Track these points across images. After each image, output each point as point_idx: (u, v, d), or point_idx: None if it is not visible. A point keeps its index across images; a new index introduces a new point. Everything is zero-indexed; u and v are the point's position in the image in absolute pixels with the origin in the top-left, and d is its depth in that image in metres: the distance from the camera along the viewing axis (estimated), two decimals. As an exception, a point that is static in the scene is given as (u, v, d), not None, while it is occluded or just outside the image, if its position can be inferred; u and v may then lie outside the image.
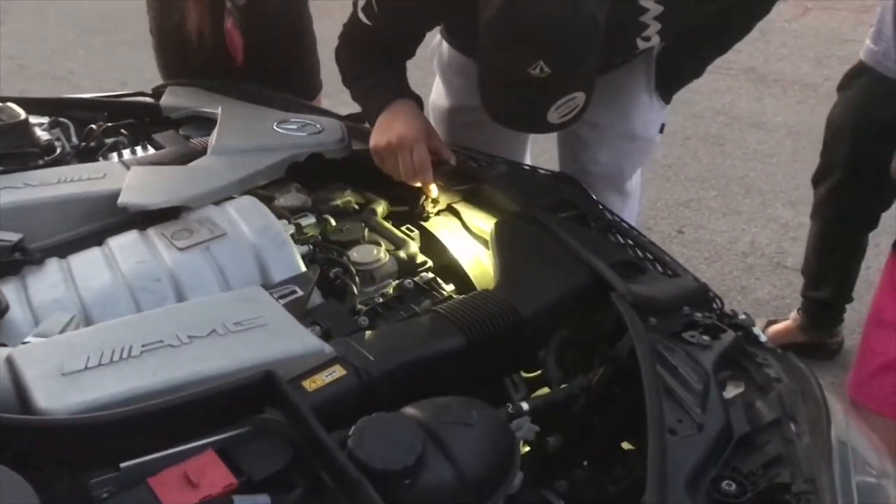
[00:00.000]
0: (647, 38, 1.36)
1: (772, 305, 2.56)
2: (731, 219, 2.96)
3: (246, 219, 1.21)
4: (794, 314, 2.39)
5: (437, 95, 1.81)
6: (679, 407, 0.95)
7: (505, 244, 1.23)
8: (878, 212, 2.16)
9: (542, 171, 1.58)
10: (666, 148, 3.27)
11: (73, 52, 4.98)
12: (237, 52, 1.82)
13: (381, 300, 1.15)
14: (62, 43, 5.12)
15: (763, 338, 1.14)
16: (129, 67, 4.43)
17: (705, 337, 1.08)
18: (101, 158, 1.52)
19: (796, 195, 2.99)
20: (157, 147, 1.57)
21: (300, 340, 0.96)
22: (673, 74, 1.62)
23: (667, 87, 1.64)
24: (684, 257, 2.61)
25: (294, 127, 1.50)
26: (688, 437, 0.91)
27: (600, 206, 1.43)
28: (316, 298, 1.14)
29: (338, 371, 0.95)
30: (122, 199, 1.23)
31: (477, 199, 1.42)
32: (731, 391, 1.03)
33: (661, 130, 1.73)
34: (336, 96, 2.37)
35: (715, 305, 1.17)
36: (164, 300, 1.07)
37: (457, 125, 1.77)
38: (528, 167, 1.59)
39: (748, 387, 1.02)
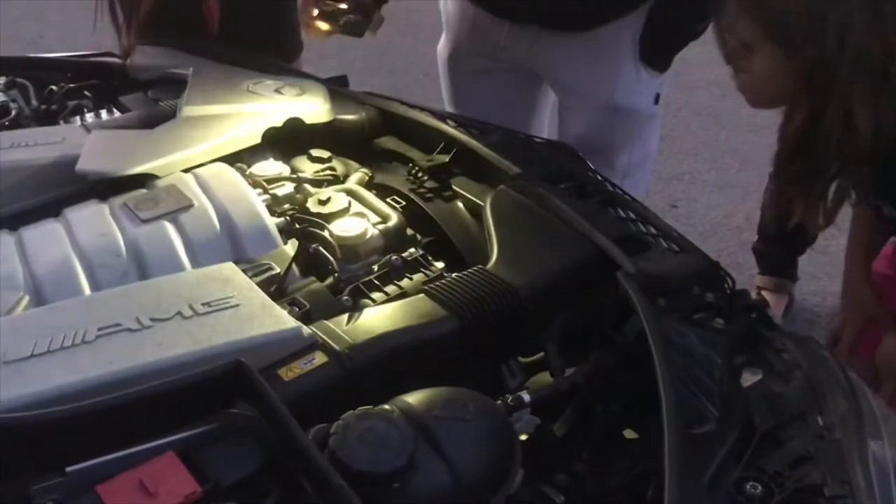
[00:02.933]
0: None
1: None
2: (727, 192, 2.88)
3: (217, 188, 1.10)
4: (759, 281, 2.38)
5: (441, 45, 1.78)
6: (695, 398, 0.86)
7: (501, 217, 1.13)
8: None
9: (538, 140, 1.48)
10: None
11: (43, 16, 4.80)
12: (212, 18, 1.71)
13: (366, 278, 1.05)
14: (32, 6, 4.93)
15: (779, 319, 1.05)
16: (103, 32, 4.26)
17: (719, 319, 0.99)
18: (62, 122, 1.40)
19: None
20: (123, 110, 1.45)
21: (276, 323, 0.86)
22: (664, 34, 1.54)
23: (658, 50, 1.56)
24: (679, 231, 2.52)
25: (271, 90, 1.39)
26: (706, 432, 0.82)
27: (600, 177, 1.33)
28: (294, 276, 1.04)
29: (318, 358, 0.86)
30: (80, 166, 1.11)
31: (468, 168, 1.32)
32: (749, 379, 0.94)
33: (657, 101, 1.64)
34: (317, 62, 2.27)
35: (727, 284, 1.09)
36: (126, 277, 0.97)
37: (460, 74, 1.76)
38: (523, 135, 1.49)
39: (767, 374, 0.94)
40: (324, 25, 1.60)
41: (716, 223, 2.69)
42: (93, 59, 1.66)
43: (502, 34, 1.65)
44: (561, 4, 1.57)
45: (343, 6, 1.58)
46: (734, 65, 1.23)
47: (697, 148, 3.15)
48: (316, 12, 1.59)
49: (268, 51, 1.68)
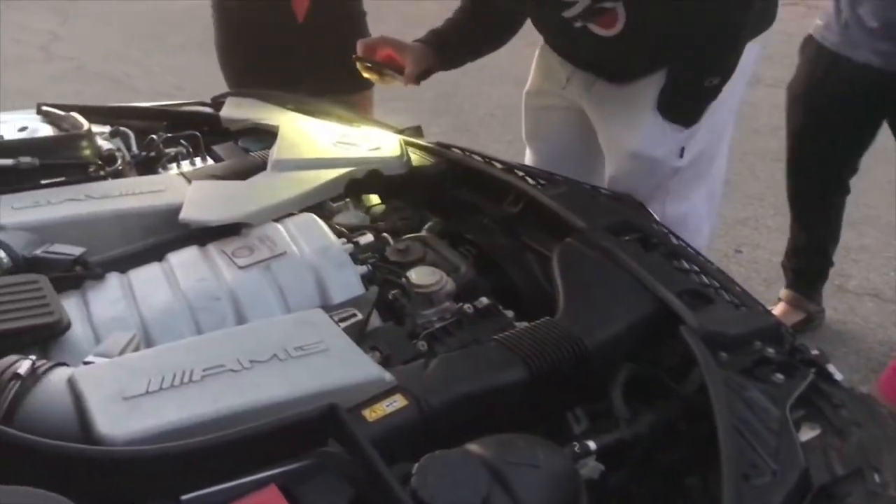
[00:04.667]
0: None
1: (832, 330, 2.48)
2: (791, 238, 2.88)
3: (306, 237, 1.20)
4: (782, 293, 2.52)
5: (527, 83, 1.97)
6: (753, 450, 0.90)
7: (568, 269, 1.20)
8: (840, 172, 2.32)
9: (603, 191, 1.54)
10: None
11: (128, 54, 5.06)
12: (300, 9, 2.07)
13: (440, 325, 1.13)
14: (118, 45, 5.20)
15: (839, 376, 1.09)
16: (183, 70, 4.48)
17: (779, 375, 1.03)
18: (160, 169, 1.52)
19: (858, 215, 2.89)
20: (216, 159, 1.56)
21: (362, 368, 0.94)
22: (678, 89, 1.60)
23: (674, 105, 1.61)
24: (742, 277, 2.55)
25: (353, 143, 1.49)
26: (763, 484, 0.86)
27: (664, 230, 1.39)
28: (375, 321, 1.12)
29: (399, 401, 0.93)
30: (183, 215, 1.22)
31: (536, 220, 1.38)
32: (807, 434, 0.98)
33: (681, 155, 1.67)
34: (388, 104, 2.38)
35: (787, 340, 1.13)
36: (224, 319, 1.06)
37: (531, 109, 1.95)
38: (588, 186, 1.56)
39: (825, 430, 0.98)
40: (371, 76, 1.84)
41: (779, 269, 2.70)
42: (186, 108, 1.79)
43: (565, 75, 1.79)
44: (605, 59, 1.68)
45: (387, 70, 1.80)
46: None
47: (762, 192, 3.16)
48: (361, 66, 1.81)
49: (342, 74, 1.88)
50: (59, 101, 1.64)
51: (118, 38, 5.24)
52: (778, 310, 2.45)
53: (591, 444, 0.91)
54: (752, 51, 1.63)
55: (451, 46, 1.81)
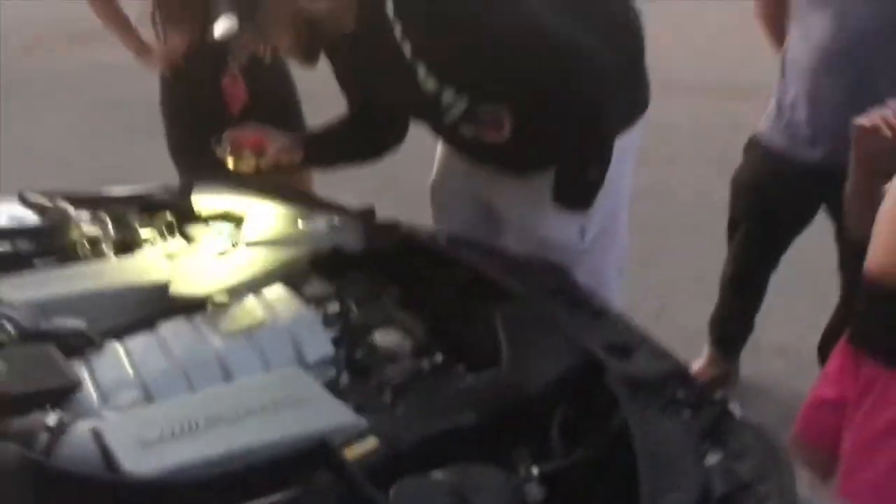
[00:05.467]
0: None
1: (747, 385, 2.73)
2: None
3: (281, 307, 1.37)
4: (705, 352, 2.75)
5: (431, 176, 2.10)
6: (666, 472, 1.10)
7: (509, 327, 1.40)
8: (778, 256, 2.52)
9: (537, 260, 1.76)
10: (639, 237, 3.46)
11: (78, 138, 5.18)
12: (235, 105, 2.31)
13: (401, 379, 1.31)
14: (67, 128, 5.32)
15: (738, 412, 1.30)
16: (131, 154, 4.62)
17: (688, 411, 1.24)
18: (139, 251, 1.68)
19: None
20: (189, 240, 1.73)
21: (339, 415, 1.11)
22: (563, 183, 1.77)
23: (565, 193, 1.77)
24: (665, 337, 2.77)
25: (316, 224, 1.68)
26: (674, 498, 1.06)
27: (589, 293, 1.61)
28: (345, 378, 1.30)
29: (371, 442, 1.10)
30: (172, 290, 1.38)
31: (481, 286, 1.58)
32: (711, 458, 1.18)
33: (583, 237, 1.84)
34: (331, 187, 2.56)
35: (695, 384, 1.34)
36: (215, 380, 1.22)
37: (437, 203, 2.08)
38: (524, 257, 1.77)
39: (725, 455, 1.18)
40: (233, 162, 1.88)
41: (699, 333, 2.92)
42: (157, 195, 1.95)
43: (467, 169, 1.94)
44: (499, 161, 1.84)
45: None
46: None
47: (687, 260, 3.44)
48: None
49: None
50: (5, 181, 1.78)
51: (65, 120, 5.37)
52: (698, 367, 2.68)
53: (534, 470, 1.09)
54: (632, 137, 1.84)
55: (325, 145, 1.95)
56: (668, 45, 5.35)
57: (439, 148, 2.06)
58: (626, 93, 1.78)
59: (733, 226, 2.54)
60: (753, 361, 2.82)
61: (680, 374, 1.34)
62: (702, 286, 3.26)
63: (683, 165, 4.55)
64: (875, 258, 1.45)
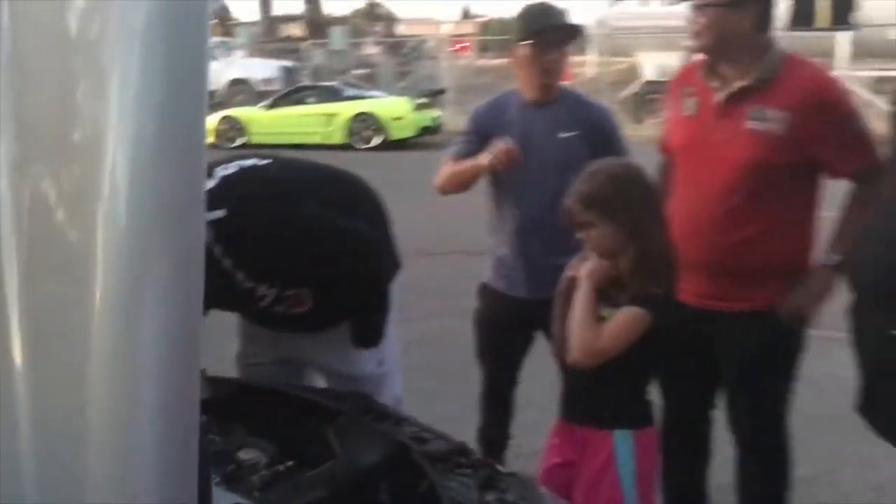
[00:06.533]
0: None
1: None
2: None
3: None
4: None
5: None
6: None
7: (339, 434, 1.90)
8: (516, 373, 3.21)
9: (348, 392, 2.28)
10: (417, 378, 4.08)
11: None
12: None
13: (265, 480, 1.76)
14: None
15: (504, 469, 1.89)
16: None
17: (468, 470, 1.81)
18: None
19: (522, 401, 3.89)
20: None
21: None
22: (359, 331, 2.36)
23: (360, 341, 2.35)
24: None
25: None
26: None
27: (390, 407, 2.16)
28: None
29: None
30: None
31: (308, 411, 2.08)
32: (489, 496, 1.75)
33: (381, 365, 2.40)
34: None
35: (471, 454, 1.91)
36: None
37: (244, 367, 2.49)
38: (334, 391, 2.30)
39: (497, 494, 1.75)
40: None
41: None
42: None
43: (273, 338, 2.43)
44: (304, 326, 2.35)
45: None
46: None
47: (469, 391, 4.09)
48: None
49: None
50: None
51: None
52: None
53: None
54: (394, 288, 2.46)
55: None
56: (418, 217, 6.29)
57: (239, 323, 2.53)
58: (388, 256, 2.42)
59: (480, 355, 3.22)
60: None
61: (461, 450, 1.92)
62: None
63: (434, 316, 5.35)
64: (572, 354, 2.16)
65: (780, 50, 2.53)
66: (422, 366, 4.41)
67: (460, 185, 2.99)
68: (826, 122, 2.41)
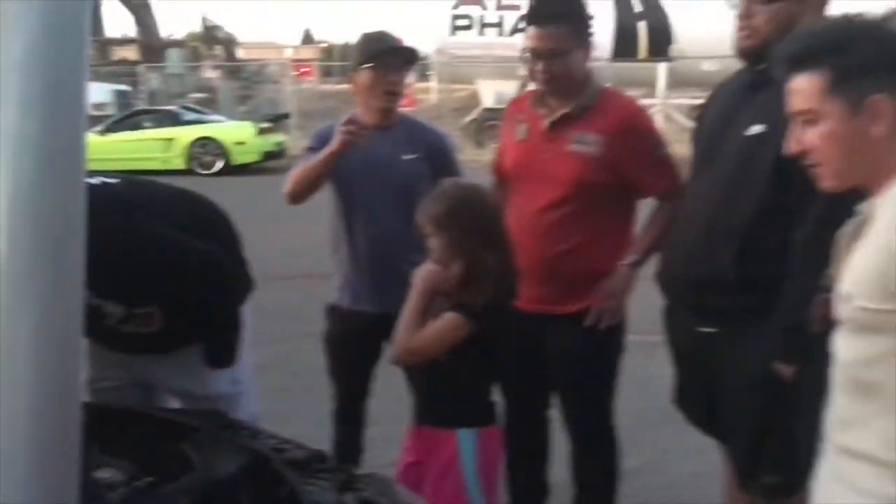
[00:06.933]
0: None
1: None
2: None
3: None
4: None
5: None
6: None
7: (197, 448, 1.96)
8: (366, 389, 3.37)
9: (205, 412, 2.33)
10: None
11: None
12: None
13: (124, 496, 1.80)
14: None
15: (358, 472, 2.01)
16: None
17: (327, 474, 1.92)
18: None
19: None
20: None
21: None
22: (211, 352, 2.40)
23: (213, 361, 2.39)
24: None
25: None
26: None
27: (246, 422, 2.24)
28: None
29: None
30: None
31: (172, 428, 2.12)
32: (348, 497, 1.86)
33: (236, 384, 2.45)
34: None
35: (329, 460, 2.02)
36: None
37: (95, 394, 2.43)
38: (191, 410, 2.34)
39: (355, 494, 1.87)
40: None
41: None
42: None
43: (124, 361, 2.44)
44: (158, 345, 2.38)
45: None
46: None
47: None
48: None
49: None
50: None
51: None
52: None
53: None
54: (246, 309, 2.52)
55: None
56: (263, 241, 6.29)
57: (89, 347, 2.48)
58: (239, 276, 2.50)
59: (331, 373, 3.33)
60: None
61: (319, 457, 2.02)
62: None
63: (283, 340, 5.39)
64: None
65: (597, 82, 2.86)
66: (272, 388, 4.45)
67: (311, 184, 3.04)
68: (635, 148, 2.74)
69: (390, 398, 3.50)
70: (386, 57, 3.04)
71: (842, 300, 1.58)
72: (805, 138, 1.58)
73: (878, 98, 1.50)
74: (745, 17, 2.25)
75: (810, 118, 1.57)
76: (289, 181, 3.11)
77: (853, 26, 1.59)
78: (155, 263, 2.18)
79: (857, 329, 1.55)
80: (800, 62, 1.57)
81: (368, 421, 3.46)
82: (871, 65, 1.51)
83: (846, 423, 1.61)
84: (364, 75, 3.06)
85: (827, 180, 1.61)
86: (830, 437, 1.65)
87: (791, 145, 1.62)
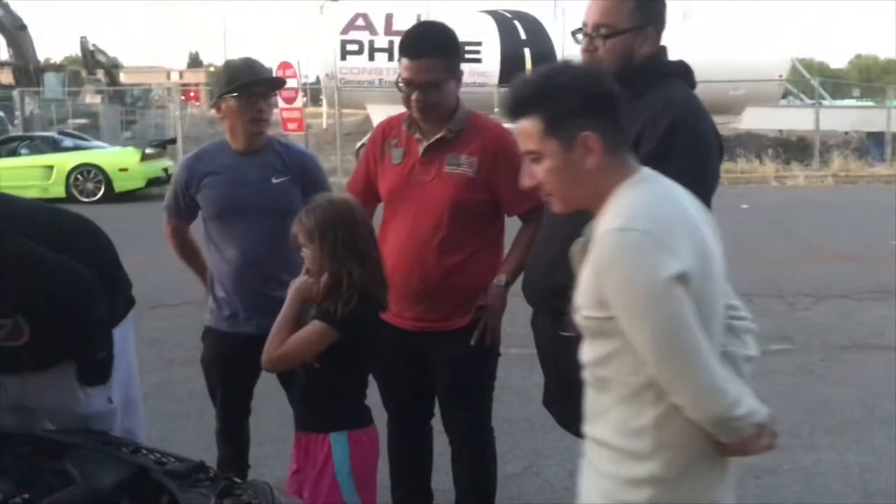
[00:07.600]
0: None
1: None
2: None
3: None
4: None
5: None
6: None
7: (78, 463, 1.99)
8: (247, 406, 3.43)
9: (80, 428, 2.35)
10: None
11: None
12: None
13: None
14: None
15: (238, 480, 2.09)
16: None
17: (207, 483, 1.99)
18: None
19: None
20: None
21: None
22: (81, 369, 2.40)
23: (85, 379, 2.38)
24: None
25: None
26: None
27: (125, 439, 2.28)
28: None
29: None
30: None
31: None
32: (227, 501, 1.94)
33: (111, 402, 2.45)
34: None
35: (211, 470, 2.09)
36: None
37: None
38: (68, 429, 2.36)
39: (234, 499, 1.95)
40: None
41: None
42: None
43: None
44: (28, 355, 2.30)
45: None
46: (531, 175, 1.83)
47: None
48: None
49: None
50: None
51: None
52: None
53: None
54: (128, 327, 2.56)
55: None
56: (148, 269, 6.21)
57: None
58: (113, 294, 2.50)
59: (212, 394, 3.37)
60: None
61: (199, 467, 2.09)
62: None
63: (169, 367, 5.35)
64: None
65: (466, 108, 3.03)
66: (159, 415, 4.45)
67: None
68: (504, 168, 2.92)
69: (286, 417, 3.58)
70: (250, 87, 3.10)
71: (575, 311, 1.82)
72: (535, 173, 1.81)
73: (586, 135, 1.72)
74: (588, 51, 2.49)
75: (536, 157, 1.79)
76: None
77: (563, 73, 1.79)
78: (9, 273, 2.19)
79: (589, 334, 1.81)
80: (519, 109, 1.78)
81: (261, 438, 3.51)
82: (578, 109, 1.73)
83: (592, 416, 1.85)
84: (230, 103, 3.12)
85: (557, 206, 1.85)
86: (585, 430, 1.90)
87: (525, 180, 1.84)
